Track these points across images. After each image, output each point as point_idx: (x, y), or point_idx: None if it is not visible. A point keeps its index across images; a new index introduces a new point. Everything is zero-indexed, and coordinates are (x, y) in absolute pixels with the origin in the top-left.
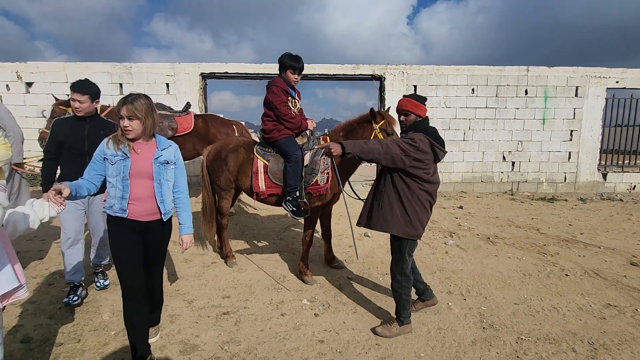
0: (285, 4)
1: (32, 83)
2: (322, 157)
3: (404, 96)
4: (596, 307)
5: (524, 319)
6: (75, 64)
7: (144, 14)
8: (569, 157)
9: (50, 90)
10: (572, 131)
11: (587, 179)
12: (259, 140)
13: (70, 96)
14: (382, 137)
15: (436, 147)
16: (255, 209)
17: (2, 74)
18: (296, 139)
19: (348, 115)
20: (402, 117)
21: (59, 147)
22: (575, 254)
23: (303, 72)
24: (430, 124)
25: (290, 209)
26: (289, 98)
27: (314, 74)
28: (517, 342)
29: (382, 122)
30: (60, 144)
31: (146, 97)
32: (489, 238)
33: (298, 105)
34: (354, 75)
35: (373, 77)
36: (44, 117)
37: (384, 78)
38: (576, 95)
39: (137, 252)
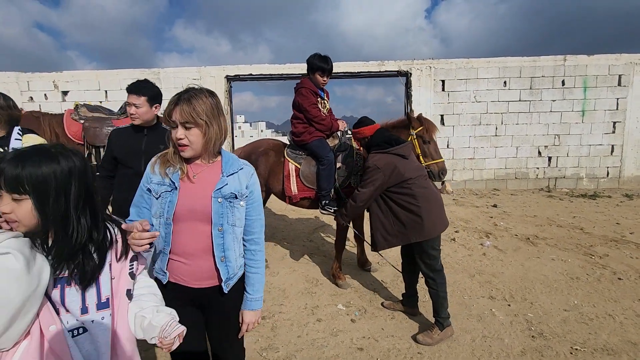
0: (300, 3)
1: (68, 92)
2: (356, 159)
3: (352, 129)
4: None
5: (577, 327)
6: (107, 72)
7: (165, 20)
8: (612, 151)
9: (84, 97)
10: (615, 123)
11: (632, 174)
12: (288, 143)
13: (125, 101)
14: (418, 144)
15: (393, 150)
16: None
17: (41, 84)
18: (327, 140)
19: (367, 113)
20: (357, 143)
21: (114, 163)
22: (626, 255)
23: None
24: (382, 135)
25: (332, 210)
26: (318, 99)
27: (338, 72)
28: (571, 353)
29: (420, 128)
30: (115, 159)
31: (211, 93)
32: (528, 238)
33: (327, 106)
34: (379, 72)
35: (399, 74)
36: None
37: (410, 74)
38: (619, 84)
39: (193, 338)
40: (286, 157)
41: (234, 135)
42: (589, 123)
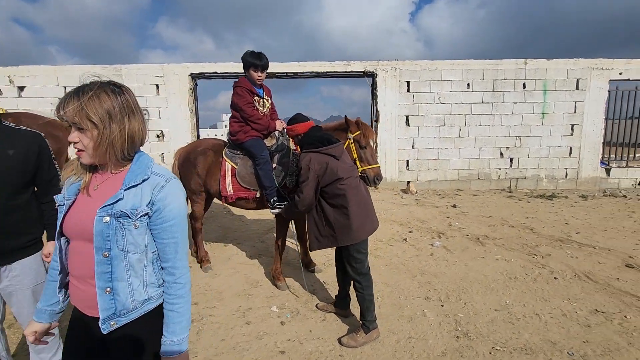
0: (284, 4)
1: (24, 87)
2: (292, 160)
3: (287, 127)
4: (582, 313)
5: (502, 327)
6: (66, 67)
7: (148, 17)
8: (570, 152)
9: (42, 93)
10: (573, 125)
11: (589, 175)
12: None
13: None
14: (354, 149)
15: (325, 150)
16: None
17: None
18: (265, 140)
19: (353, 112)
20: (293, 140)
21: None
22: (567, 255)
23: (294, 71)
24: (315, 133)
25: (282, 207)
26: (256, 98)
27: (304, 72)
28: (490, 353)
29: (357, 133)
30: None
31: (117, 89)
32: (478, 239)
33: (268, 105)
34: (345, 72)
35: (365, 74)
36: None
37: (376, 75)
38: (577, 88)
39: None
40: (224, 156)
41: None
42: (549, 125)
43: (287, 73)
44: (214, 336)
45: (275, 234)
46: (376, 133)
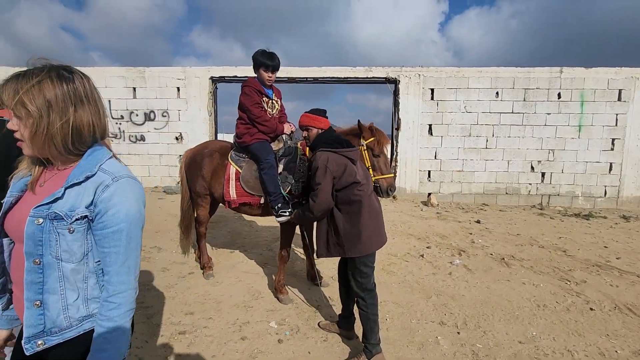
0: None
1: None
2: (298, 165)
3: (305, 112)
4: (623, 353)
5: None
6: (93, 69)
7: (184, 26)
8: (610, 169)
9: None
10: (614, 139)
11: (632, 194)
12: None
13: None
14: (367, 156)
15: (343, 152)
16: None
17: None
18: (272, 143)
19: (378, 121)
20: (305, 133)
21: None
22: (606, 283)
23: (314, 75)
24: (332, 133)
25: (287, 215)
26: (265, 99)
27: (325, 77)
28: None
29: (371, 139)
30: None
31: (65, 73)
32: (503, 259)
33: (277, 107)
34: (367, 78)
35: (387, 80)
36: None
37: (398, 81)
38: (619, 99)
39: None
40: (229, 159)
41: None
42: (586, 139)
43: (307, 78)
44: (206, 351)
45: (279, 243)
46: (397, 142)
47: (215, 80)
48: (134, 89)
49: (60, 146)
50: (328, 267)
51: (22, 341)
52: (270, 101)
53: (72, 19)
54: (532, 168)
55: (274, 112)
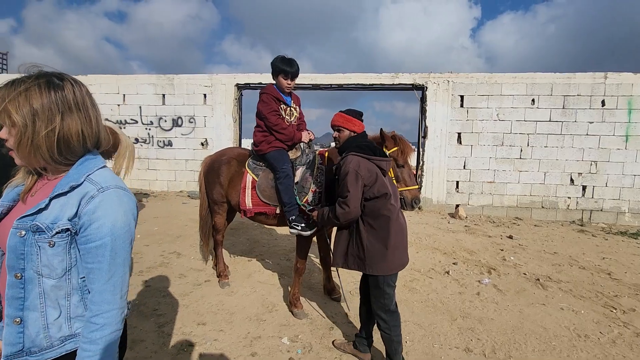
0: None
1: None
2: (315, 175)
3: (340, 111)
4: None
5: None
6: (126, 77)
7: (217, 36)
8: None
9: (104, 100)
10: None
11: None
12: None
13: None
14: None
15: (375, 160)
16: None
17: None
18: (289, 152)
19: (405, 129)
20: (335, 133)
21: None
22: None
23: (339, 82)
24: (365, 139)
25: (299, 227)
26: (283, 106)
27: (349, 84)
28: None
29: (395, 149)
30: None
31: (55, 80)
32: (538, 280)
33: (295, 114)
34: (393, 84)
35: (414, 87)
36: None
37: (426, 88)
38: None
39: None
40: (246, 167)
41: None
42: (634, 150)
43: (331, 84)
44: None
45: (295, 254)
46: (423, 150)
47: (240, 87)
48: (163, 95)
49: (47, 156)
50: (346, 280)
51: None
52: (289, 108)
53: (114, 31)
54: (572, 181)
55: (292, 119)
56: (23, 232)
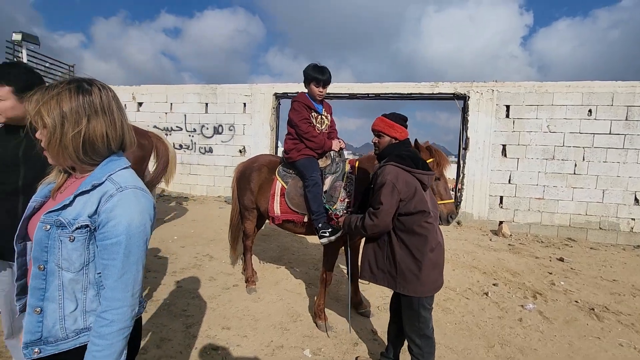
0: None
1: (142, 103)
2: (344, 184)
3: (382, 115)
4: None
5: None
6: (174, 86)
7: (261, 48)
8: None
9: (154, 108)
10: None
11: None
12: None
13: None
14: None
15: (417, 173)
16: None
17: (122, 95)
18: (319, 160)
19: (449, 140)
20: (375, 139)
21: None
22: None
23: (376, 92)
24: (408, 147)
25: (327, 236)
26: (314, 114)
27: (387, 93)
28: None
29: (431, 160)
30: None
31: (85, 85)
32: (593, 309)
33: (327, 122)
34: (432, 94)
35: (455, 96)
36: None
37: (468, 97)
38: None
39: None
40: (276, 174)
41: None
42: None
43: (368, 94)
44: None
45: (322, 264)
46: (464, 162)
47: (278, 97)
48: (206, 104)
49: (74, 155)
50: (375, 294)
51: (22, 346)
52: (320, 116)
53: (170, 46)
54: (637, 200)
55: (323, 127)
56: (48, 226)
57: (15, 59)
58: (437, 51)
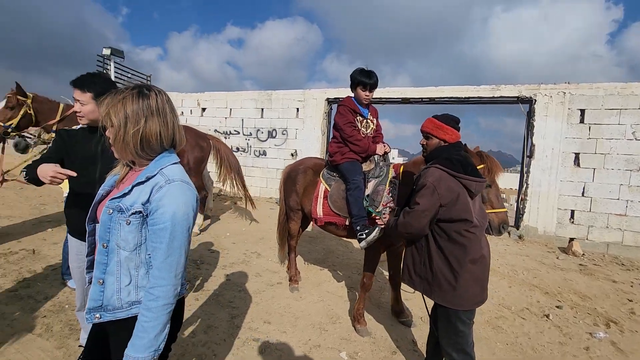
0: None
1: (205, 109)
2: (388, 188)
3: (432, 116)
4: None
5: None
6: (233, 93)
7: (319, 55)
8: None
9: (215, 113)
10: None
11: None
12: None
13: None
14: None
15: (463, 178)
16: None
17: (189, 102)
18: (363, 164)
19: (517, 148)
20: (423, 140)
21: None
22: None
23: (430, 96)
24: (459, 151)
25: (364, 238)
26: (359, 118)
27: (442, 97)
28: None
29: (481, 166)
30: (61, 162)
31: (145, 91)
32: None
33: (372, 126)
34: (493, 97)
35: (519, 100)
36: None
37: (535, 101)
38: None
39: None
40: (320, 177)
41: None
42: None
43: (422, 98)
44: None
45: (363, 269)
46: (528, 171)
47: (330, 102)
48: (262, 109)
49: (133, 151)
50: (419, 304)
51: (85, 311)
52: (365, 120)
53: (233, 55)
54: None
55: (368, 131)
56: (111, 211)
57: (104, 71)
58: (505, 53)
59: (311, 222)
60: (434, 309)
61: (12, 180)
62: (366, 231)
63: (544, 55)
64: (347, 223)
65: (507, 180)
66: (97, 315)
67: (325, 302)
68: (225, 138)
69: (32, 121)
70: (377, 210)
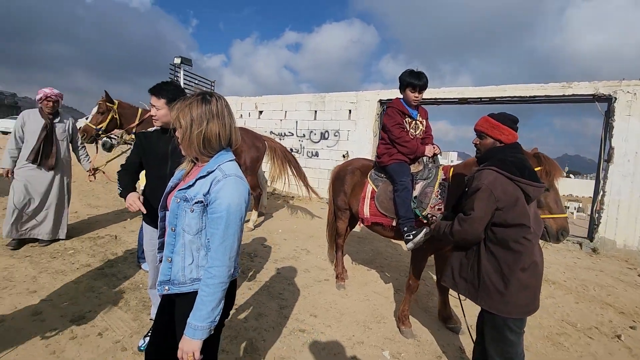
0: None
1: (262, 111)
2: (437, 190)
3: (488, 115)
4: None
5: None
6: (288, 96)
7: (375, 57)
8: None
9: (271, 116)
10: None
11: None
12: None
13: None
14: None
15: (520, 182)
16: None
17: (248, 105)
18: (411, 165)
19: (596, 152)
20: (476, 140)
21: (138, 165)
22: None
23: (490, 95)
24: (516, 152)
25: (411, 239)
26: (408, 119)
27: (503, 97)
28: None
29: (539, 169)
30: (140, 163)
31: (208, 97)
32: None
33: (421, 127)
34: (563, 96)
35: (595, 98)
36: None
37: (615, 99)
38: None
39: (161, 336)
40: (368, 178)
41: None
42: None
43: (481, 98)
44: (316, 356)
45: (409, 271)
46: (606, 177)
47: (383, 103)
48: (315, 112)
49: (197, 149)
50: (468, 312)
51: (157, 284)
52: (414, 122)
53: (291, 60)
54: None
55: (417, 133)
56: (178, 200)
57: (175, 78)
58: (585, 47)
59: (358, 222)
60: (480, 318)
61: (102, 172)
62: (413, 232)
63: (635, 48)
64: (393, 224)
65: (585, 188)
66: (166, 288)
67: (371, 301)
68: (280, 139)
69: (117, 124)
70: (423, 213)
